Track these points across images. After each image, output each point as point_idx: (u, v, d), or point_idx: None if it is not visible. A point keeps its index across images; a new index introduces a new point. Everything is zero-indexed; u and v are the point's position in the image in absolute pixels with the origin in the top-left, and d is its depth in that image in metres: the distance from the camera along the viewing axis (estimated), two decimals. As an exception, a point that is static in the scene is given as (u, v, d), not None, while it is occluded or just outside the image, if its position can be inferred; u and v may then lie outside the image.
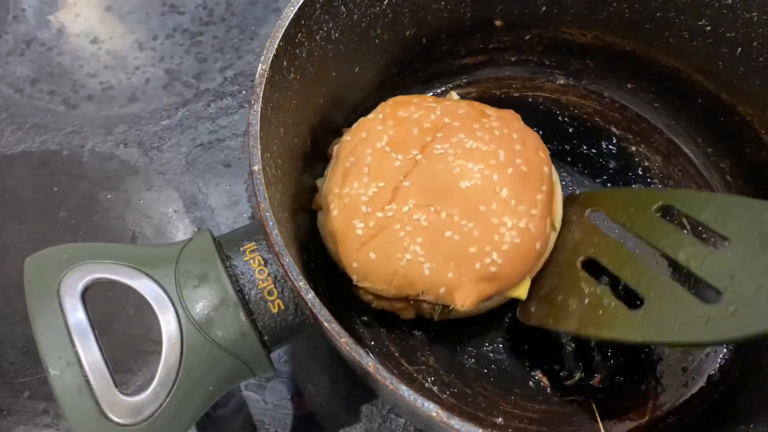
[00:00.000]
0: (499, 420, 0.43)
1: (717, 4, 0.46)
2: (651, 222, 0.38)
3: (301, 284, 0.31)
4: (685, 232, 0.38)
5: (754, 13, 0.44)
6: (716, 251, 0.34)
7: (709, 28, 0.47)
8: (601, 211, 0.42)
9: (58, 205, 0.50)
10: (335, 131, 0.48)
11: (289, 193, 0.42)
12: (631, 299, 0.36)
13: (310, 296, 0.30)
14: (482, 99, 0.54)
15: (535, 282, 0.43)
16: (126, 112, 0.54)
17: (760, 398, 0.41)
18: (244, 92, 0.55)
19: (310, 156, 0.45)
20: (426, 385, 0.44)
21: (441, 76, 0.55)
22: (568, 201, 0.45)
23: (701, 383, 0.44)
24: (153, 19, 0.59)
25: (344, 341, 0.30)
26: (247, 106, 0.55)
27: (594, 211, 0.42)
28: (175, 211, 0.50)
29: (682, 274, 0.37)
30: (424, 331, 0.45)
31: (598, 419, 0.43)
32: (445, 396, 0.43)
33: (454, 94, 0.49)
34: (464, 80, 0.55)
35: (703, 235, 0.42)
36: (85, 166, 0.52)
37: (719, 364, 0.45)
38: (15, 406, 0.43)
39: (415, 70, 0.53)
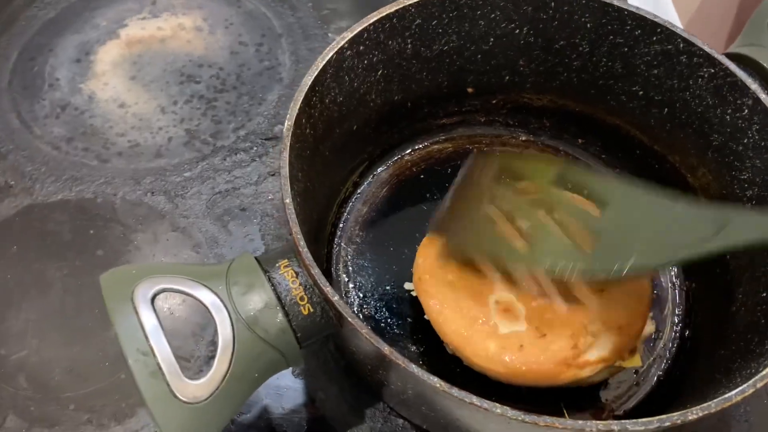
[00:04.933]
0: (483, 417, 0.50)
1: (646, 74, 0.56)
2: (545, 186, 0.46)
3: (328, 289, 0.39)
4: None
5: (674, 81, 0.55)
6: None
7: (641, 92, 0.58)
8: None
9: (95, 245, 0.57)
10: (332, 178, 0.57)
11: (305, 227, 0.50)
12: None
13: (336, 298, 0.39)
14: (457, 152, 0.64)
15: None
16: (152, 165, 0.63)
17: (694, 395, 0.49)
18: (255, 148, 0.64)
19: (318, 198, 0.54)
20: (420, 390, 0.51)
21: (423, 133, 0.64)
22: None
23: (650, 384, 0.53)
24: (172, 87, 0.68)
25: (365, 332, 0.38)
26: (258, 160, 0.64)
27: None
28: (200, 248, 0.58)
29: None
30: (416, 344, 0.53)
31: (566, 416, 0.51)
32: (436, 398, 0.51)
33: None
34: (442, 137, 0.65)
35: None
36: (117, 211, 0.59)
37: (664, 366, 0.54)
38: (62, 417, 0.49)
39: (402, 128, 0.63)
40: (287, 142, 0.45)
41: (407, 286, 0.55)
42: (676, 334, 0.55)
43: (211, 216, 0.60)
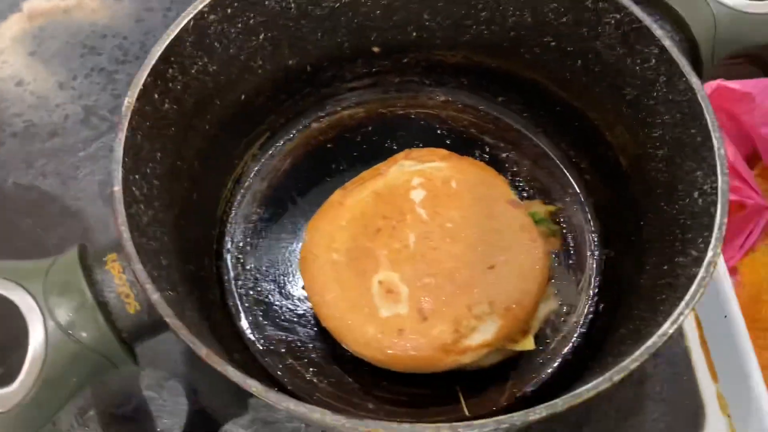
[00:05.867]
0: (371, 405, 0.47)
1: (555, 23, 0.51)
2: None
3: (148, 286, 0.36)
4: None
5: (584, 29, 0.49)
6: None
7: (553, 43, 0.52)
8: None
9: (-19, 234, 0.55)
10: (222, 153, 0.53)
11: (173, 211, 0.46)
12: None
13: (155, 296, 0.35)
14: (370, 117, 0.60)
15: None
16: (47, 146, 0.60)
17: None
18: (153, 123, 0.61)
19: (199, 177, 0.51)
20: (307, 377, 0.48)
21: (330, 98, 0.60)
22: None
23: (557, 361, 0.49)
24: (73, 61, 0.65)
25: (184, 333, 0.35)
26: (156, 135, 0.60)
27: None
28: (89, 233, 0.55)
29: None
30: (308, 328, 0.50)
31: (462, 400, 0.48)
32: (323, 385, 0.48)
33: None
34: (353, 101, 0.60)
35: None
36: (7, 197, 0.57)
37: (575, 343, 0.50)
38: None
39: (305, 95, 0.58)
40: (125, 122, 0.41)
41: None
42: (591, 308, 0.51)
43: (102, 197, 0.57)
